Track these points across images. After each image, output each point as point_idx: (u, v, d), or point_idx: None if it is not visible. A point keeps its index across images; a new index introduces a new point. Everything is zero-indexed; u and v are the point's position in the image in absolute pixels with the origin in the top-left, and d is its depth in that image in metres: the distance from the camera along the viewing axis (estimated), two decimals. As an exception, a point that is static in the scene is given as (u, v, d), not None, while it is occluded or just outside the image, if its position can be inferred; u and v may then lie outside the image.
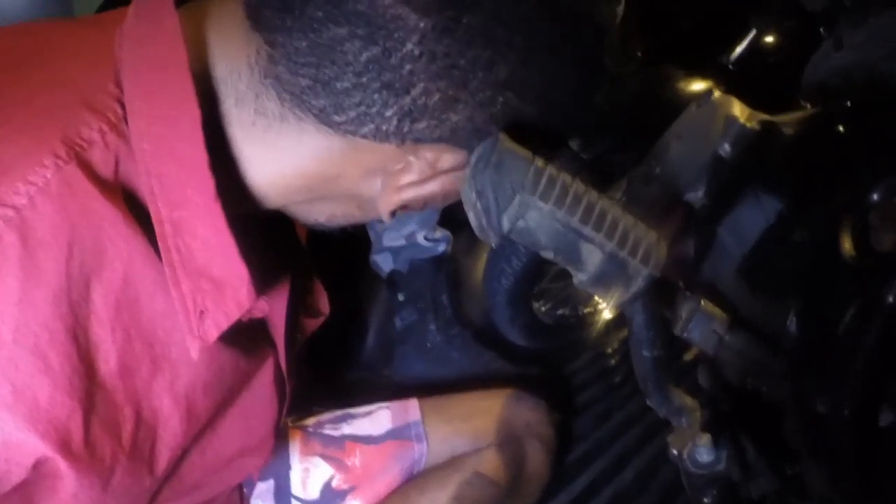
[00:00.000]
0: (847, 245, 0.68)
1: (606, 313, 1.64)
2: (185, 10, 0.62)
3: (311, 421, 1.21)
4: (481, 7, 0.54)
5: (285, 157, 0.61)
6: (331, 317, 0.95)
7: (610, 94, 1.47)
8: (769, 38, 1.51)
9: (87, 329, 0.58)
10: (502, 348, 1.59)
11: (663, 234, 0.70)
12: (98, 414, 0.60)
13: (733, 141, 0.81)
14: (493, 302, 1.57)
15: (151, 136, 0.57)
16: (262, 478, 1.12)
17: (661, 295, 0.73)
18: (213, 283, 0.59)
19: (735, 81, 1.48)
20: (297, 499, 1.12)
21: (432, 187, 0.63)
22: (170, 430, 0.67)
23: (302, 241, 0.88)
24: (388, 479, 1.16)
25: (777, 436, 0.76)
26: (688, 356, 1.43)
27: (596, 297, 0.72)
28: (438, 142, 0.60)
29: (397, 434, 1.19)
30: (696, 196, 0.80)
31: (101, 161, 0.57)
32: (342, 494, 1.13)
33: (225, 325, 0.61)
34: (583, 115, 0.66)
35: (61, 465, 0.58)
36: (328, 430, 1.19)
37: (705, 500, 0.81)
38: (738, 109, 0.85)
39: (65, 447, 0.58)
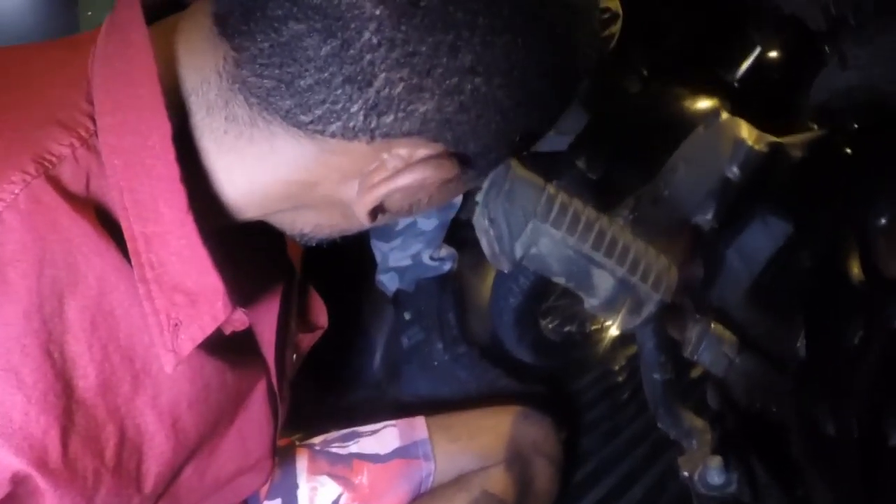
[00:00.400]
0: (855, 269, 0.68)
1: (613, 330, 1.64)
2: (156, 25, 0.62)
3: (318, 439, 1.21)
4: None
5: (259, 164, 0.60)
6: (337, 336, 0.94)
7: (615, 113, 1.48)
8: (773, 57, 1.52)
9: (62, 345, 0.57)
10: (509, 366, 1.59)
11: (672, 256, 0.71)
12: (78, 431, 0.59)
13: (741, 163, 0.81)
14: (501, 320, 1.57)
15: (122, 150, 0.57)
16: (270, 497, 1.12)
17: (670, 318, 0.74)
18: (187, 296, 0.59)
19: (740, 99, 1.48)
20: (305, 518, 1.12)
21: (405, 179, 0.60)
22: (156, 448, 0.67)
23: (291, 255, 0.86)
24: (395, 498, 1.16)
25: (787, 457, 0.76)
26: (694, 373, 1.44)
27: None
28: (409, 135, 0.57)
29: (404, 452, 1.18)
30: (705, 218, 0.81)
31: (72, 176, 0.57)
32: (350, 513, 1.13)
33: (199, 338, 0.60)
34: (559, 100, 0.62)
35: (39, 482, 0.58)
36: (335, 449, 1.19)
37: (716, 521, 0.81)
38: (746, 132, 0.85)
39: (41, 464, 0.57)
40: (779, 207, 0.80)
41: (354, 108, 0.55)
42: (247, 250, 0.74)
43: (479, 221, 0.62)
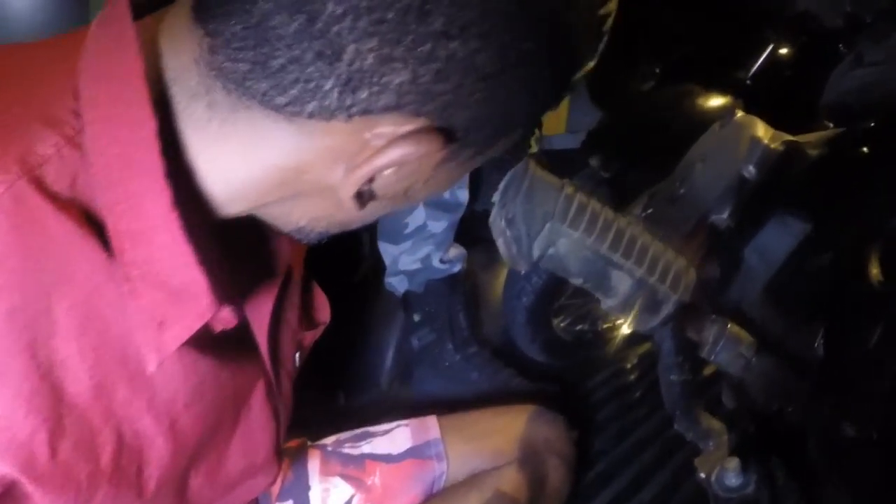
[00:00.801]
0: (874, 270, 0.68)
1: (625, 329, 1.63)
2: (145, 20, 0.62)
3: (330, 440, 1.20)
4: None
5: (244, 152, 0.59)
6: (348, 338, 0.94)
7: (629, 111, 1.48)
8: (786, 54, 1.51)
9: (49, 347, 0.56)
10: (521, 365, 1.58)
11: (689, 256, 0.70)
12: (69, 435, 0.59)
13: (757, 162, 0.81)
14: (513, 319, 1.56)
15: (106, 146, 0.56)
16: (281, 498, 1.12)
17: (687, 318, 0.73)
18: (172, 294, 0.58)
19: (753, 96, 1.48)
20: (318, 519, 1.12)
21: (386, 157, 0.57)
22: (156, 452, 0.66)
23: (291, 253, 0.85)
24: (408, 498, 1.15)
25: (804, 459, 0.75)
26: (707, 371, 1.43)
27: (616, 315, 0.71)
28: (388, 111, 0.55)
29: (417, 453, 1.18)
30: (721, 218, 0.80)
31: (57, 175, 0.56)
32: (362, 515, 1.13)
33: (184, 336, 0.59)
34: (552, 66, 0.57)
35: (28, 486, 0.57)
36: (347, 449, 1.19)
37: (733, 523, 0.81)
38: (762, 130, 0.85)
39: (28, 467, 0.57)
40: (796, 206, 0.79)
41: (328, 85, 0.53)
42: (240, 247, 0.73)
43: (497, 222, 0.62)
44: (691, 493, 1.38)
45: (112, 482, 0.63)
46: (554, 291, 1.51)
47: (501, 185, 0.64)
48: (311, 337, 0.95)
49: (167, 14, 0.61)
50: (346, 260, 1.55)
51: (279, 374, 0.82)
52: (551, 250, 0.62)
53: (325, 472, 1.15)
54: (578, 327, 1.68)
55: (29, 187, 0.55)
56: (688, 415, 0.73)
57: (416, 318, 1.55)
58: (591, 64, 1.39)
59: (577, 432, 1.31)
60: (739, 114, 0.88)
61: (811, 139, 0.86)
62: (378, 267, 1.59)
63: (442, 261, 1.58)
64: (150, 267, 0.57)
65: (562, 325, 1.65)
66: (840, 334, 0.73)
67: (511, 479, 1.17)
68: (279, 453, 0.87)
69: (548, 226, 0.61)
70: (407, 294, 1.59)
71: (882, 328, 0.69)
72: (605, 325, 1.70)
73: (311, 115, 0.55)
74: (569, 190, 0.62)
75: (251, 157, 0.59)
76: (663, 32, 1.56)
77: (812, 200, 0.79)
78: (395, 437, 1.20)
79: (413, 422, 1.21)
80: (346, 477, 1.15)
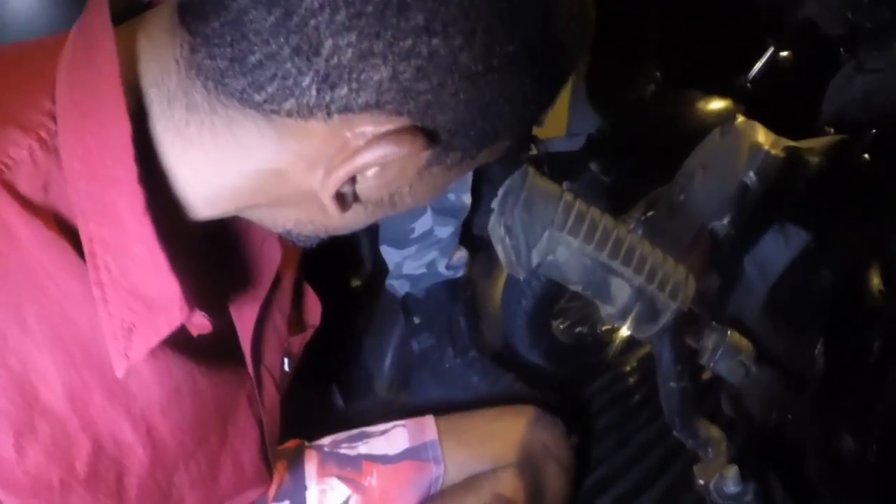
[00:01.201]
0: (874, 284, 0.67)
1: (624, 331, 1.63)
2: (126, 24, 0.60)
3: (327, 440, 1.20)
4: None
5: (223, 155, 0.58)
6: (346, 341, 0.93)
7: (629, 116, 1.48)
8: (787, 59, 1.51)
9: (20, 353, 0.56)
10: (520, 369, 1.58)
11: (690, 264, 0.70)
12: (40, 440, 0.58)
13: (758, 169, 0.80)
14: (513, 323, 1.56)
15: (81, 151, 0.56)
16: (278, 499, 1.12)
17: (687, 326, 0.73)
18: (142, 300, 0.57)
19: (753, 101, 1.48)
20: (314, 521, 1.12)
21: (365, 158, 0.55)
22: (135, 459, 0.65)
23: (276, 255, 0.80)
24: (404, 501, 1.16)
25: (803, 469, 0.75)
26: (706, 375, 1.43)
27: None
28: (368, 110, 0.53)
29: (414, 454, 1.18)
30: (722, 225, 0.80)
31: (28, 180, 0.56)
32: (359, 516, 1.13)
33: (153, 341, 0.58)
34: (539, 67, 0.55)
35: None
36: (344, 450, 1.19)
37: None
38: (763, 136, 0.84)
39: None
40: (797, 215, 0.79)
41: (305, 82, 0.52)
42: (225, 251, 0.72)
43: (496, 230, 0.62)
44: (691, 500, 1.38)
45: (89, 489, 0.63)
46: (554, 295, 1.52)
47: (500, 192, 0.63)
48: (299, 342, 0.93)
49: (150, 16, 0.60)
50: (345, 263, 1.54)
51: (262, 381, 0.81)
52: (550, 258, 0.62)
53: (322, 474, 1.15)
54: (578, 330, 1.68)
55: (1, 191, 0.54)
56: (687, 423, 0.73)
57: (417, 320, 1.54)
58: (579, 71, 1.38)
59: (575, 437, 1.31)
60: (740, 119, 0.87)
61: (813, 146, 0.86)
62: (378, 270, 1.58)
63: (447, 266, 1.57)
64: (122, 272, 0.56)
65: (561, 327, 1.65)
66: (840, 346, 0.72)
67: (509, 483, 1.17)
68: (268, 463, 0.85)
69: (547, 233, 0.61)
70: (407, 297, 1.58)
71: (882, 340, 0.69)
72: (604, 328, 1.70)
73: (289, 114, 0.54)
74: (568, 197, 0.62)
75: (230, 159, 0.58)
76: (664, 38, 1.56)
77: (813, 210, 0.78)
78: (391, 437, 1.20)
79: (410, 422, 1.22)
80: (342, 478, 1.15)
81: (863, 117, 1.06)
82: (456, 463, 1.19)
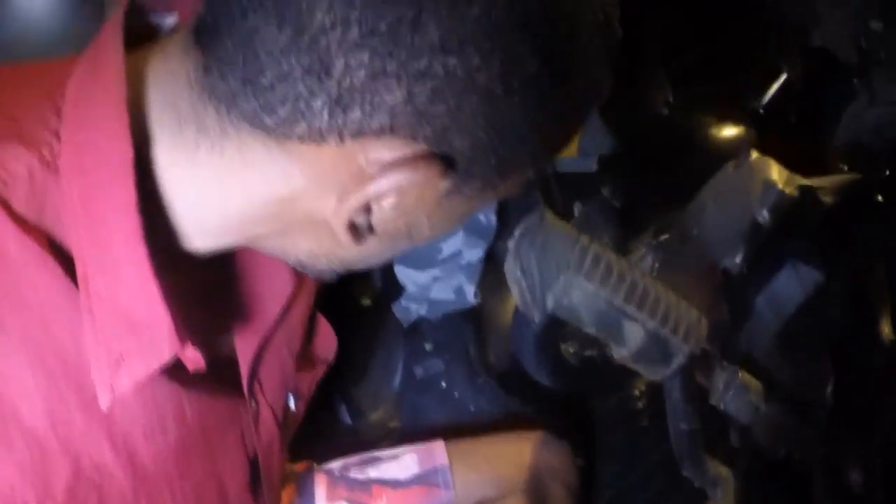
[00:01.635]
0: (886, 329, 0.68)
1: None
2: (143, 47, 0.59)
3: (337, 464, 1.21)
4: None
5: (233, 179, 0.56)
6: (352, 363, 0.90)
7: (641, 140, 1.48)
8: (800, 86, 1.51)
9: (1, 363, 0.55)
10: (529, 392, 1.57)
11: (700, 299, 0.70)
12: (16, 459, 0.56)
13: (771, 206, 0.80)
14: (522, 346, 1.56)
15: (81, 172, 0.55)
16: (288, 521, 1.13)
17: (697, 365, 0.73)
18: (133, 331, 0.56)
19: (765, 128, 1.48)
20: (323, 544, 1.12)
21: (379, 185, 0.53)
22: (115, 485, 0.63)
23: (287, 288, 0.77)
24: (414, 525, 1.16)
25: (811, 505, 0.76)
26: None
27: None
28: (382, 134, 0.51)
29: (424, 479, 1.19)
30: (734, 262, 0.80)
31: (25, 197, 0.55)
32: (368, 540, 1.13)
33: (141, 375, 0.56)
34: (564, 87, 0.53)
35: None
36: (354, 474, 1.20)
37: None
38: (776, 173, 0.84)
39: None
40: (809, 254, 0.79)
41: (317, 104, 0.50)
42: (229, 281, 0.71)
43: (512, 270, 0.62)
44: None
45: None
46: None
47: (516, 233, 0.64)
48: (309, 380, 0.90)
49: (168, 38, 0.60)
50: (354, 280, 1.53)
51: (260, 415, 0.78)
52: (565, 301, 0.63)
53: (332, 497, 1.16)
54: (587, 352, 1.67)
55: None
56: (696, 463, 0.73)
57: (428, 347, 1.50)
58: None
59: (581, 460, 1.32)
60: (754, 155, 0.88)
61: (825, 184, 0.86)
62: (387, 290, 1.55)
63: (476, 294, 1.49)
64: (113, 300, 0.55)
65: (570, 350, 1.64)
66: (850, 384, 0.73)
67: (516, 507, 1.18)
68: (258, 498, 0.81)
69: (563, 277, 0.61)
70: (422, 322, 1.54)
71: (892, 379, 0.69)
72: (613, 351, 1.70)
73: (301, 138, 0.52)
74: (584, 241, 0.63)
75: (238, 185, 0.57)
76: (678, 60, 1.57)
77: (825, 249, 0.78)
78: (402, 462, 1.21)
79: (420, 447, 1.22)
80: (352, 502, 1.15)
81: (875, 149, 1.06)
82: (465, 486, 1.19)
